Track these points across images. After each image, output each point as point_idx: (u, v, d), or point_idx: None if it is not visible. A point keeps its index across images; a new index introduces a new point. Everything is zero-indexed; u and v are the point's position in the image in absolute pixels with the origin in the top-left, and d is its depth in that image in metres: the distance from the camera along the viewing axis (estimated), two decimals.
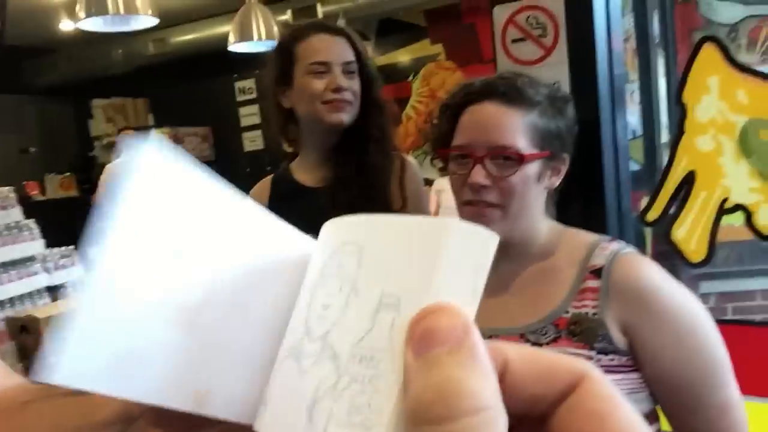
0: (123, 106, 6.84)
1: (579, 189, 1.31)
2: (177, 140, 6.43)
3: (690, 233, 1.51)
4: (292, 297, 0.29)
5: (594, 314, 1.01)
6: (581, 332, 1.01)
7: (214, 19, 5.62)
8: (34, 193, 6.58)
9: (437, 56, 5.42)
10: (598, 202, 1.62)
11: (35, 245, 3.05)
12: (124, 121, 6.75)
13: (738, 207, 1.47)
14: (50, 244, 3.18)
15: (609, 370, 1.00)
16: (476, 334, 0.21)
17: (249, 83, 6.20)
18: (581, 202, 1.54)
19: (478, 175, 1.03)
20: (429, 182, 3.76)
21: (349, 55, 1.51)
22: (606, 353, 1.00)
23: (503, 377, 0.22)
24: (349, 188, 1.45)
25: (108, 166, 5.58)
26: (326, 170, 1.52)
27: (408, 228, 0.25)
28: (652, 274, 1.02)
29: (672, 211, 1.55)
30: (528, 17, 1.64)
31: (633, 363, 1.01)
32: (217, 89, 6.35)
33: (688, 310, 1.00)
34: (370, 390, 0.23)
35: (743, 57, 3.45)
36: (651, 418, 1.04)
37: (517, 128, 1.03)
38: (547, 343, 1.03)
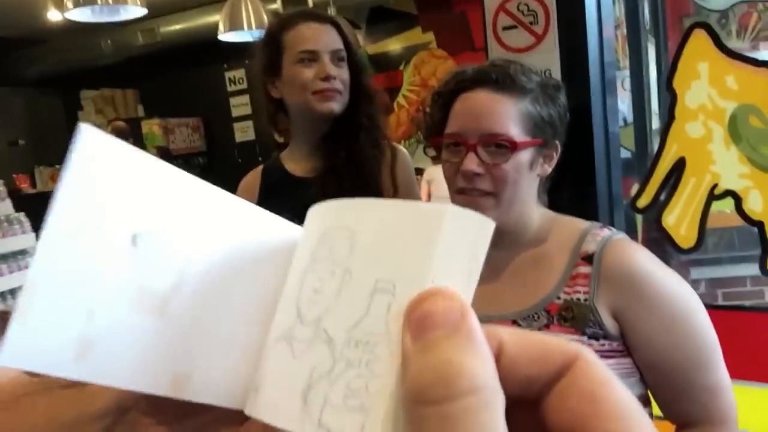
0: (112, 97, 6.80)
1: (570, 176, 1.31)
2: (167, 131, 6.40)
3: (680, 219, 1.52)
4: (278, 281, 0.29)
5: (585, 300, 1.01)
6: (572, 318, 1.02)
7: (204, 9, 5.58)
8: (24, 186, 6.55)
9: (429, 44, 5.41)
10: (589, 189, 1.62)
11: (26, 238, 3.04)
12: (114, 112, 6.71)
13: (728, 193, 1.48)
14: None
15: (600, 355, 1.01)
16: (473, 318, 0.21)
17: (239, 73, 6.17)
18: (572, 189, 1.54)
19: (471, 163, 1.03)
20: (419, 172, 3.75)
21: (338, 43, 1.50)
22: (597, 338, 1.01)
23: (498, 360, 0.22)
24: (339, 178, 1.45)
25: None
26: (316, 160, 1.51)
27: (403, 213, 0.25)
28: (643, 259, 1.03)
29: (662, 197, 1.55)
30: (519, 4, 1.64)
31: (624, 348, 1.02)
32: (208, 79, 6.32)
33: (678, 295, 1.01)
34: (367, 374, 0.23)
35: (733, 43, 3.46)
36: (642, 402, 1.05)
37: (509, 116, 1.03)
38: (539, 329, 1.04)
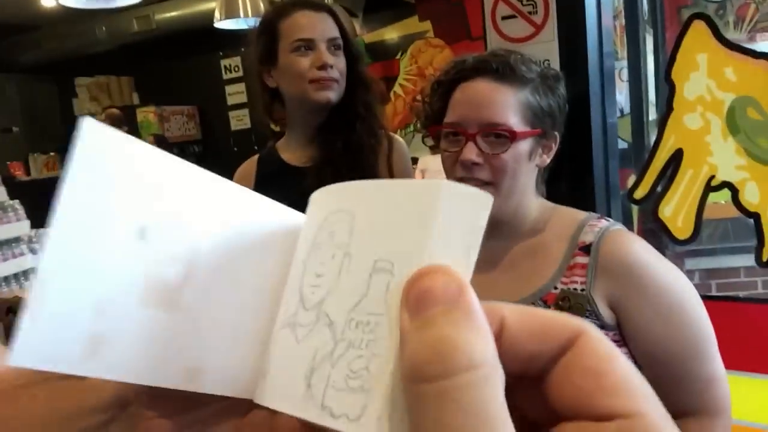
0: (107, 84, 6.76)
1: (568, 167, 1.31)
2: (163, 119, 6.37)
3: (677, 211, 1.53)
4: (283, 269, 0.29)
5: (582, 290, 1.02)
6: (569, 308, 1.02)
7: None
8: (19, 173, 6.52)
9: (426, 33, 5.38)
10: (587, 179, 1.63)
11: (21, 226, 3.02)
12: (108, 99, 6.67)
13: (725, 184, 1.48)
14: (36, 225, 3.16)
15: None
16: (471, 294, 0.21)
17: (235, 61, 6.13)
18: (570, 179, 1.55)
19: (470, 153, 1.03)
20: (415, 161, 3.74)
21: (334, 32, 1.49)
22: None
23: (500, 336, 0.22)
24: (336, 167, 1.44)
25: None
26: (312, 149, 1.51)
27: (399, 191, 0.24)
28: (640, 250, 1.03)
29: (659, 188, 1.56)
30: None
31: (620, 338, 1.03)
32: (203, 67, 6.28)
33: (674, 285, 1.02)
34: (367, 354, 0.22)
35: (731, 34, 3.46)
36: None
37: (509, 105, 1.03)
38: None
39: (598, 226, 1.05)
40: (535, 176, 1.10)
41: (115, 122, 5.60)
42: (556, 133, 1.10)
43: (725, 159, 1.46)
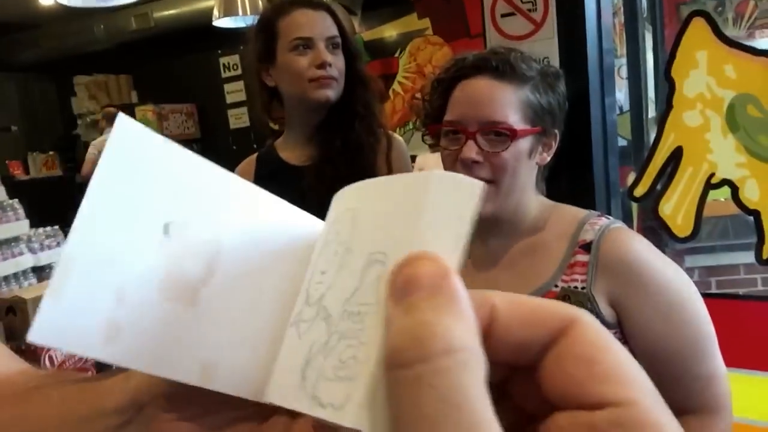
0: (106, 83, 6.74)
1: (567, 164, 1.31)
2: (161, 117, 6.36)
3: (677, 208, 1.53)
4: (301, 274, 0.29)
5: (583, 288, 1.02)
6: None
7: None
8: (18, 172, 6.51)
9: (425, 31, 5.38)
10: (587, 177, 1.62)
11: (20, 225, 3.02)
12: (107, 98, 6.66)
13: (724, 182, 1.48)
14: (35, 224, 3.15)
15: None
16: (455, 280, 0.20)
17: (234, 59, 6.12)
18: (570, 177, 1.54)
19: (470, 151, 1.03)
20: (413, 159, 3.72)
21: (333, 30, 1.48)
22: None
23: (490, 324, 0.22)
24: (334, 166, 1.44)
25: (94, 143, 5.53)
26: (311, 148, 1.50)
27: (393, 184, 0.25)
28: (641, 248, 1.03)
29: (659, 186, 1.56)
30: None
31: (621, 336, 1.03)
32: (202, 65, 6.27)
33: (675, 283, 1.02)
34: (356, 344, 0.23)
35: (730, 31, 3.45)
36: None
37: (509, 103, 1.03)
38: None
39: (598, 224, 1.05)
40: (535, 174, 1.10)
41: (112, 121, 5.58)
42: (556, 130, 1.09)
43: (725, 156, 1.46)
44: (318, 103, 1.47)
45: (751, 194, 1.44)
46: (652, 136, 1.60)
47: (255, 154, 1.63)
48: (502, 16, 1.66)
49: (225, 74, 6.25)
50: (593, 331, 0.21)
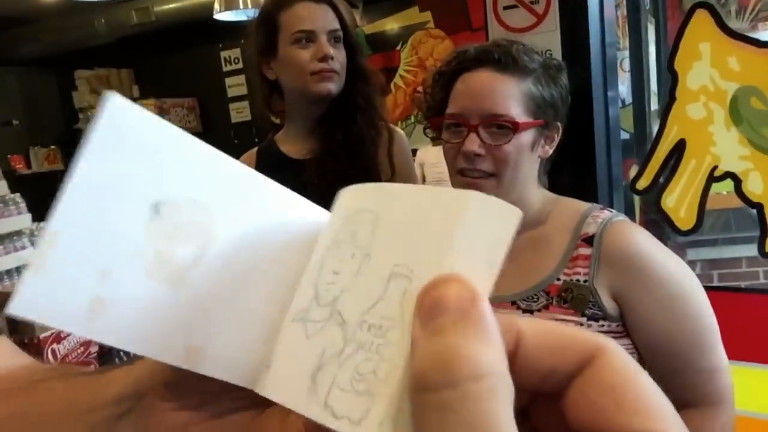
0: (107, 77, 6.74)
1: (570, 157, 1.31)
2: (163, 111, 6.36)
3: (680, 201, 1.52)
4: (301, 263, 0.29)
5: (585, 281, 1.02)
6: (572, 299, 1.02)
7: None
8: (19, 166, 6.51)
9: (426, 24, 5.36)
10: (589, 170, 1.62)
11: (22, 219, 3.02)
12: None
13: (727, 175, 1.47)
14: (37, 219, 3.15)
15: None
16: (484, 305, 0.20)
17: (235, 53, 6.11)
18: (572, 170, 1.54)
19: (473, 144, 1.03)
20: (414, 153, 3.70)
21: (335, 24, 1.48)
22: (596, 320, 1.02)
23: (517, 350, 0.22)
24: (336, 159, 1.44)
25: None
26: (312, 142, 1.50)
27: (426, 196, 0.24)
28: (643, 241, 1.03)
29: (662, 179, 1.55)
30: None
31: (623, 329, 1.03)
32: (203, 59, 6.26)
33: (677, 276, 1.02)
34: (376, 358, 0.22)
35: (733, 24, 3.43)
36: None
37: (511, 96, 1.02)
38: (538, 310, 1.04)
39: (600, 217, 1.05)
40: (538, 167, 1.10)
41: None
42: (559, 123, 1.09)
43: (728, 149, 1.45)
44: (319, 97, 1.47)
45: (754, 187, 1.44)
46: (655, 129, 1.59)
47: (255, 148, 1.63)
48: (504, 8, 1.65)
49: (226, 68, 6.24)
50: (620, 361, 0.21)
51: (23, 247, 2.97)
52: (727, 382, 1.03)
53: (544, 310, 1.03)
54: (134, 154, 0.26)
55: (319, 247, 0.28)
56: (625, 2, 2.18)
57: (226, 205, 0.28)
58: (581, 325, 1.01)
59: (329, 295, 0.26)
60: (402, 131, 1.61)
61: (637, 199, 2.08)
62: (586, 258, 1.02)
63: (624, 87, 2.80)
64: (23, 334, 1.75)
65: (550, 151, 1.10)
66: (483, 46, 1.08)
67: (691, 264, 2.85)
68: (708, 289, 1.04)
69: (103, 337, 0.26)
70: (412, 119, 5.08)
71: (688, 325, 1.00)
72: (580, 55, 1.58)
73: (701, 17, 1.46)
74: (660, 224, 1.61)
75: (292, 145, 1.55)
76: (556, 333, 0.22)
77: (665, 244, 1.07)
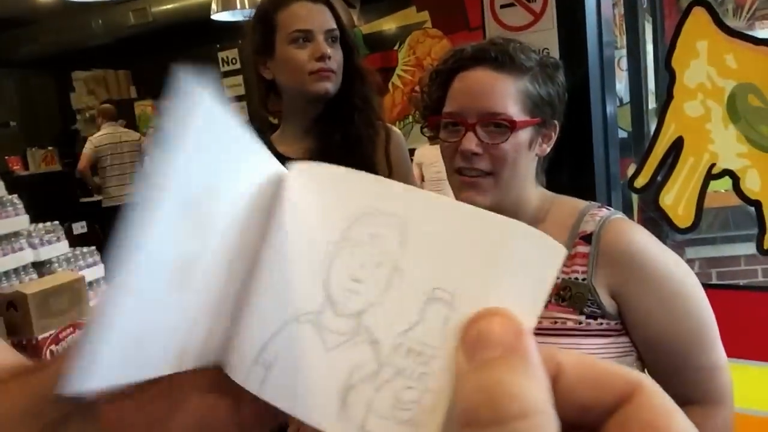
0: (105, 77, 6.74)
1: (567, 156, 1.31)
2: (160, 112, 6.35)
3: (678, 199, 1.52)
4: (258, 230, 0.27)
5: (583, 279, 1.01)
6: (570, 297, 1.02)
7: None
8: (17, 168, 6.50)
9: (423, 24, 5.36)
10: (587, 168, 1.62)
11: (20, 220, 3.01)
12: (106, 93, 6.65)
13: (726, 172, 1.47)
14: (34, 219, 3.14)
15: (598, 334, 1.01)
16: (530, 341, 0.21)
17: (233, 53, 6.11)
18: (570, 169, 1.54)
19: (470, 143, 1.02)
20: (411, 153, 3.70)
21: (332, 23, 1.48)
22: (595, 318, 1.01)
23: (555, 383, 0.22)
24: (333, 159, 1.43)
25: (91, 138, 5.51)
26: (309, 141, 1.50)
27: (467, 218, 0.24)
28: (641, 238, 1.02)
29: (660, 177, 1.55)
30: None
31: (622, 327, 1.03)
32: (201, 60, 6.25)
33: (676, 274, 1.01)
34: (419, 387, 0.22)
35: (730, 22, 3.44)
36: None
37: (508, 94, 1.02)
38: None
39: (598, 215, 1.05)
40: (535, 166, 1.10)
41: (109, 117, 5.58)
42: (556, 122, 1.09)
43: (726, 146, 1.45)
44: (317, 96, 1.47)
45: (752, 184, 1.44)
46: (653, 127, 1.59)
47: None
48: (502, 7, 1.65)
49: (223, 68, 6.24)
50: (659, 398, 0.22)
51: (21, 249, 2.96)
52: (727, 379, 1.02)
53: (543, 309, 1.03)
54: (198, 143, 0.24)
55: (312, 233, 0.26)
56: (622, 1, 2.18)
57: (230, 190, 0.26)
58: (579, 323, 1.01)
59: (351, 305, 0.25)
60: (399, 131, 1.61)
61: (635, 197, 2.08)
62: (584, 256, 1.02)
63: (621, 85, 2.80)
64: (21, 334, 1.74)
65: (548, 150, 1.10)
66: (480, 44, 1.07)
67: (690, 262, 2.85)
68: (707, 287, 1.04)
69: (141, 374, 0.25)
70: (410, 119, 5.08)
71: (686, 323, 1.00)
72: (578, 54, 1.58)
73: (698, 15, 1.46)
74: (658, 222, 1.61)
75: (289, 145, 1.55)
76: (595, 367, 0.22)
77: (664, 242, 1.07)
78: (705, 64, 1.46)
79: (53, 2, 5.10)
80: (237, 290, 0.27)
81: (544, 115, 1.06)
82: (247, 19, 1.69)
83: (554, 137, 1.09)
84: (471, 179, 1.04)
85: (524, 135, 1.04)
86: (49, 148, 6.71)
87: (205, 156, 0.24)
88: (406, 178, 1.57)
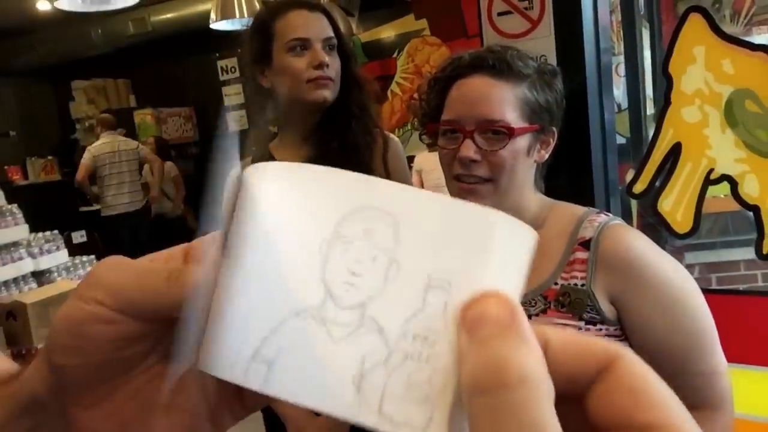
0: (104, 87, 6.75)
1: (566, 162, 1.31)
2: (160, 121, 6.37)
3: (676, 205, 1.53)
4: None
5: (582, 285, 1.01)
6: (570, 303, 1.02)
7: None
8: (16, 177, 6.51)
9: (422, 32, 5.38)
10: (585, 175, 1.62)
11: (19, 230, 3.01)
12: (105, 102, 6.67)
13: (724, 177, 1.48)
14: (34, 229, 3.15)
15: None
16: (523, 317, 0.23)
17: (232, 62, 6.11)
18: (568, 175, 1.54)
19: (468, 150, 1.03)
20: (410, 160, 3.70)
21: (329, 32, 1.48)
22: (594, 324, 1.01)
23: (545, 356, 0.24)
24: (331, 167, 1.43)
25: (89, 148, 5.51)
26: (307, 149, 1.50)
27: (454, 210, 0.26)
28: (640, 244, 1.03)
29: (658, 182, 1.55)
30: None
31: (621, 333, 1.03)
32: (200, 69, 6.27)
33: (675, 279, 1.01)
34: (428, 368, 0.24)
35: (727, 28, 3.45)
36: None
37: (506, 102, 1.03)
38: (536, 315, 1.04)
39: (597, 221, 1.05)
40: (534, 172, 1.10)
41: (108, 127, 5.59)
42: (554, 128, 1.09)
43: (724, 152, 1.46)
44: (315, 104, 1.47)
45: (750, 189, 1.44)
46: (651, 133, 1.60)
47: (249, 158, 1.63)
48: (499, 14, 1.66)
49: (223, 77, 6.25)
50: (637, 365, 0.24)
51: (20, 258, 2.96)
52: (727, 385, 1.02)
53: (542, 315, 1.03)
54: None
55: (305, 233, 0.27)
56: (619, 7, 2.19)
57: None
58: (579, 329, 1.01)
59: (352, 297, 0.26)
60: (397, 138, 1.62)
61: (633, 203, 2.09)
62: (583, 262, 1.02)
63: (619, 91, 2.81)
64: (20, 344, 1.74)
65: (546, 156, 1.10)
66: (477, 52, 1.08)
67: (690, 267, 2.85)
68: (706, 292, 1.04)
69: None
70: (409, 126, 5.09)
71: (686, 328, 1.00)
72: (575, 60, 1.59)
73: (695, 21, 1.46)
74: (657, 228, 1.61)
75: (287, 153, 1.55)
76: (578, 341, 0.25)
77: (663, 247, 1.07)
78: (702, 69, 1.46)
79: (53, 12, 5.12)
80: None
81: (542, 121, 1.06)
82: (245, 28, 1.70)
83: (552, 144, 1.10)
84: (469, 186, 1.04)
85: (522, 142, 1.04)
86: (49, 157, 6.71)
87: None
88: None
